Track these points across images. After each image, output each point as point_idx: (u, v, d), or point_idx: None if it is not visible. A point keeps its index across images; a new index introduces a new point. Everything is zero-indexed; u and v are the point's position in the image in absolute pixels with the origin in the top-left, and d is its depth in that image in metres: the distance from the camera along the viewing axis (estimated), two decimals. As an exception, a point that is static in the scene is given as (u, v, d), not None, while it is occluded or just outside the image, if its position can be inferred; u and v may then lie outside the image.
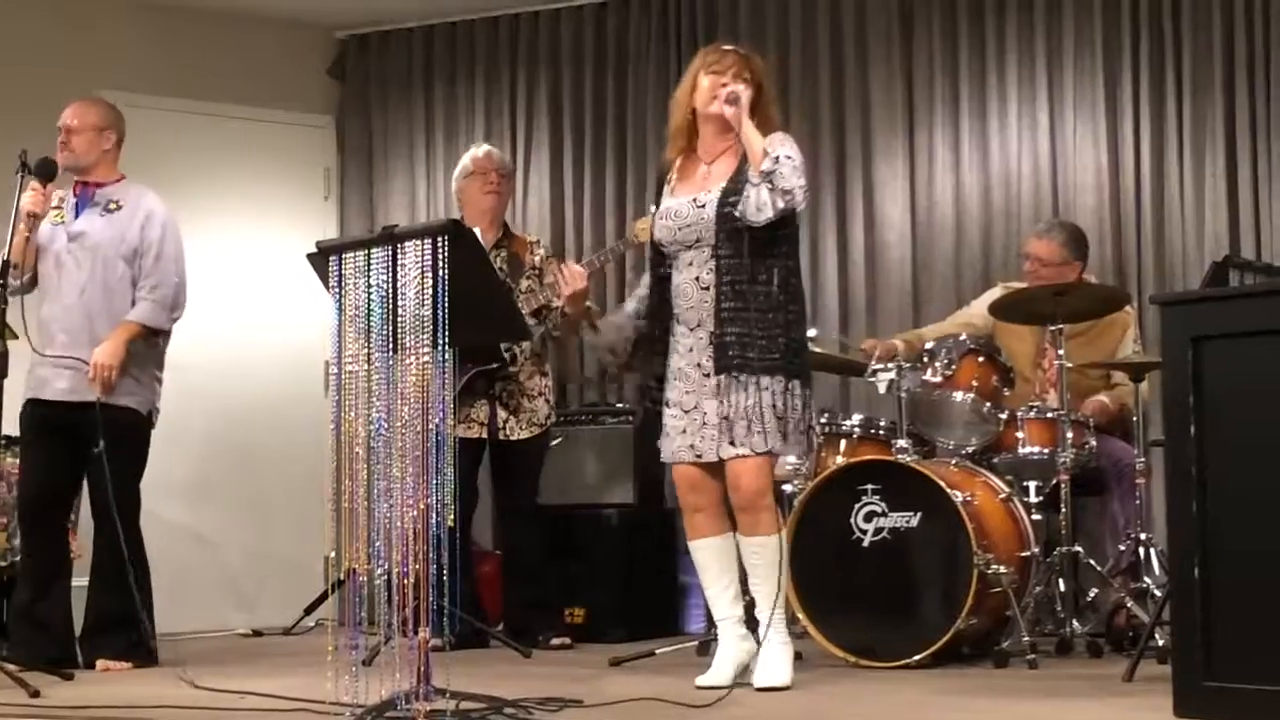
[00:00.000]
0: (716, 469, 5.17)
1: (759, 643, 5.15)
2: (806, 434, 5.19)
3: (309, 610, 7.76)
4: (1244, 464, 4.11)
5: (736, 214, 5.05)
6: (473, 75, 8.58)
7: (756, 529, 5.12)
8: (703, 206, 5.15)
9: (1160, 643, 5.37)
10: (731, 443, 5.07)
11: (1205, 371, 4.19)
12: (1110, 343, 6.63)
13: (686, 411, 5.19)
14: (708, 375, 5.13)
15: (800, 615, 5.82)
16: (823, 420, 6.30)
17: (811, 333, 6.43)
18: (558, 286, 5.83)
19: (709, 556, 5.27)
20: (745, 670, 5.20)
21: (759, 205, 5.00)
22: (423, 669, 4.29)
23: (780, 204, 4.99)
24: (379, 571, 4.34)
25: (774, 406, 5.05)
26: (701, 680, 5.12)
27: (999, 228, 7.51)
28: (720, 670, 5.17)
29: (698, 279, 5.16)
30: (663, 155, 5.53)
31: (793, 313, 5.16)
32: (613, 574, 7.20)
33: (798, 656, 5.75)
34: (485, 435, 6.72)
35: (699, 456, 5.17)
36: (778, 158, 5.00)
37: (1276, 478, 4.01)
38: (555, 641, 6.73)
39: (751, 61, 5.27)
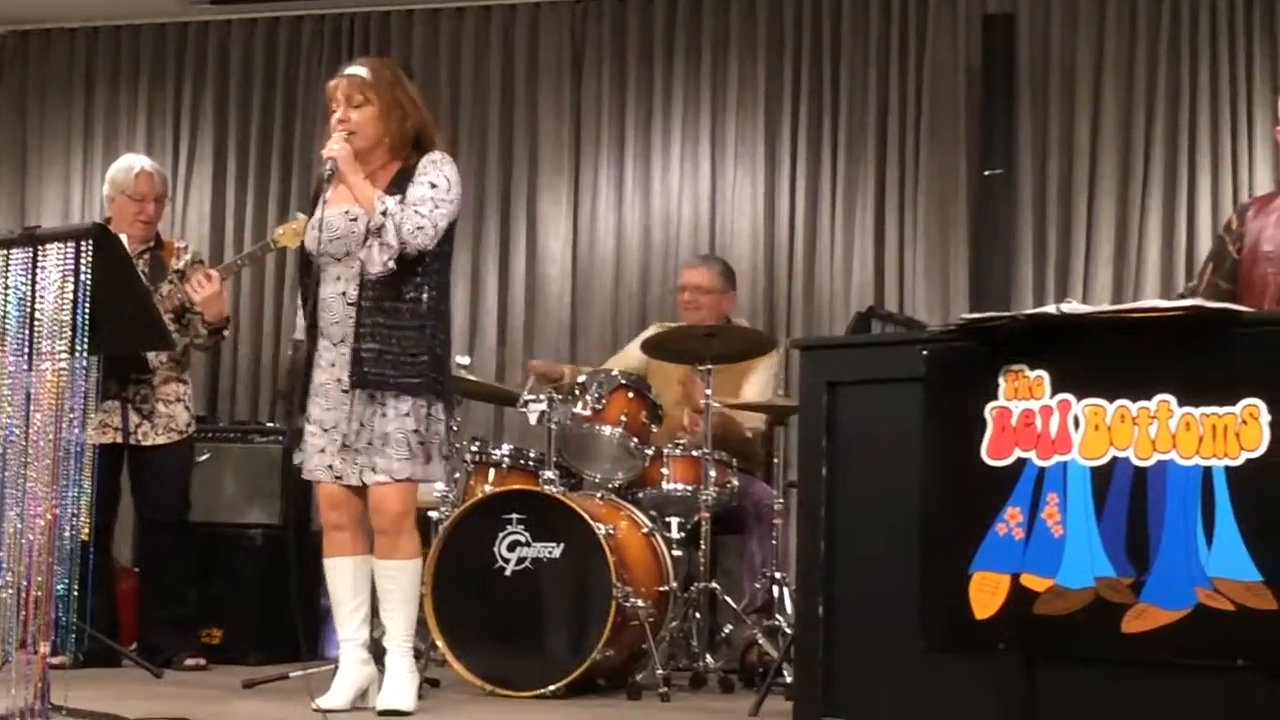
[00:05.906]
0: (359, 489, 5.07)
1: (382, 670, 5.08)
2: (449, 458, 5.13)
3: (-70, 624, 7.44)
4: (869, 507, 4.24)
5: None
6: (136, 81, 8.38)
7: (394, 553, 5.04)
8: (355, 219, 5.00)
9: (789, 679, 5.51)
10: (373, 469, 4.99)
11: (839, 415, 4.30)
12: (748, 370, 6.75)
13: (326, 430, 5.07)
14: (346, 392, 5.01)
15: (439, 642, 5.80)
16: (474, 449, 6.31)
17: (465, 360, 6.50)
18: (193, 291, 5.94)
19: (343, 575, 5.15)
20: (364, 695, 5.08)
21: (370, 261, 4.93)
22: (40, 686, 4.17)
23: (387, 258, 4.91)
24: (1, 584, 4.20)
25: (415, 430, 4.99)
26: (319, 702, 4.95)
27: (657, 266, 7.66)
28: (337, 693, 5.03)
29: (344, 294, 5.02)
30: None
31: (439, 330, 5.06)
32: (253, 595, 7.03)
33: (435, 683, 5.75)
34: (120, 440, 6.52)
35: (339, 478, 5.06)
36: (385, 211, 4.91)
37: (898, 521, 4.14)
38: (189, 662, 6.56)
39: (365, 82, 5.06)
